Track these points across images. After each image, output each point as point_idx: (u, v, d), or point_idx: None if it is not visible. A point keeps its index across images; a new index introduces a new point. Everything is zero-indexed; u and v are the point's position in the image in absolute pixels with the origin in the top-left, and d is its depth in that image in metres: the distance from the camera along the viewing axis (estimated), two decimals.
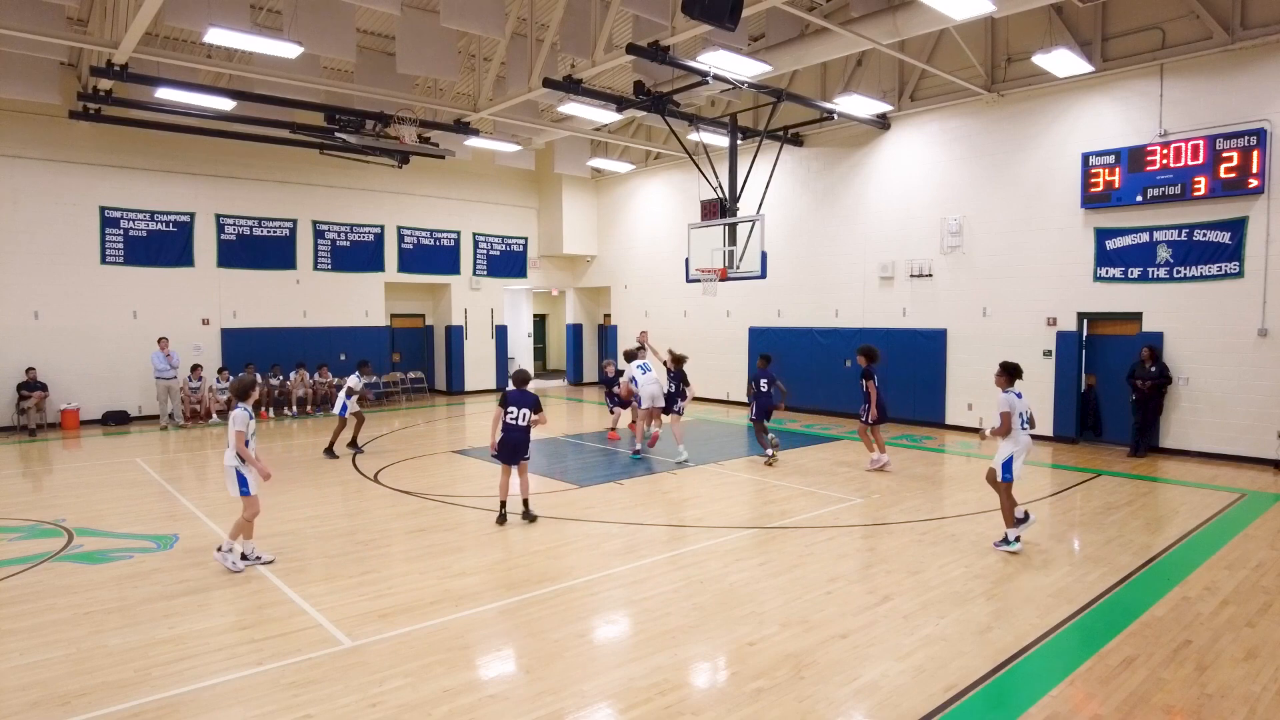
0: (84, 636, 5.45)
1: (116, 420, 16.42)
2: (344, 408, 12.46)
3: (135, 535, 7.98)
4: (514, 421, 8.17)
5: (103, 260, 16.38)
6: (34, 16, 11.32)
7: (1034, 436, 13.25)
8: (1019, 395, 7.43)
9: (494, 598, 6.16)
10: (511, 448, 8.21)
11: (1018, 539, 7.41)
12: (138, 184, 16.75)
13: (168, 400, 16.06)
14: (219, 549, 7.00)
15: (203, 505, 9.25)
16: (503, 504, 8.37)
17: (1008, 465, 7.38)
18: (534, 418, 8.18)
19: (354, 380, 12.66)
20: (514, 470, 8.39)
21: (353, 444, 12.88)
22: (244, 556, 6.98)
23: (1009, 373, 7.51)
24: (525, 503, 8.49)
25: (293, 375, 18.12)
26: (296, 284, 19.05)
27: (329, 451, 12.42)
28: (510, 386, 8.41)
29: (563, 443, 13.79)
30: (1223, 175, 11.48)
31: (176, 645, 5.28)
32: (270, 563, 7.01)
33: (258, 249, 18.40)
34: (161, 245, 17.09)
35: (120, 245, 16.57)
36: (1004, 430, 7.34)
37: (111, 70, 12.16)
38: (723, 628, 5.57)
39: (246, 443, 6.79)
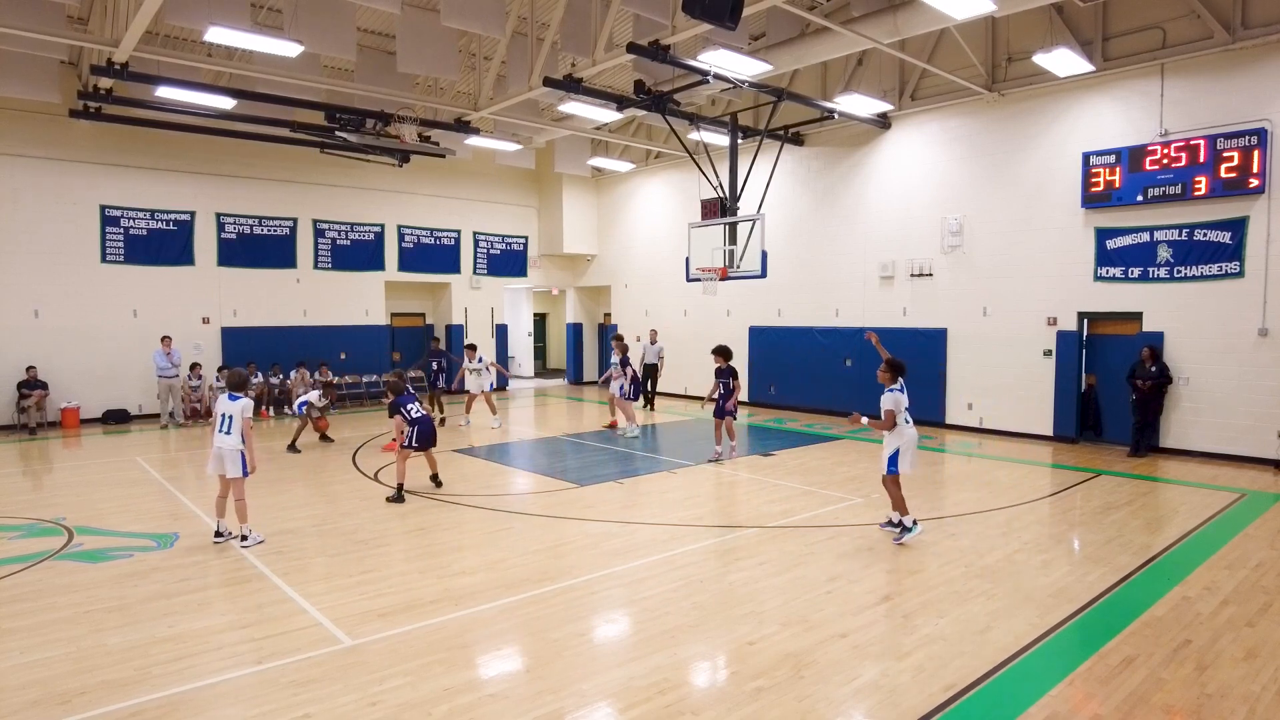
0: (84, 635, 5.45)
1: (117, 419, 16.43)
2: (303, 405, 13.02)
3: (135, 534, 7.98)
4: (421, 414, 9.50)
5: (103, 259, 16.39)
6: (34, 15, 11.31)
7: (1030, 435, 13.51)
8: (902, 390, 7.58)
9: (493, 597, 6.16)
10: (429, 434, 9.53)
11: (915, 522, 7.58)
12: (138, 183, 16.75)
13: (169, 399, 16.07)
14: (243, 539, 7.51)
15: (203, 504, 9.23)
16: (401, 485, 9.37)
17: (892, 459, 7.54)
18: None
19: (313, 393, 13.17)
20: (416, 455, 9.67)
21: (292, 446, 12.96)
22: (219, 533, 7.59)
23: (894, 370, 7.64)
24: (435, 474, 9.84)
25: (293, 374, 18.08)
26: (297, 283, 19.06)
27: (292, 447, 12.89)
28: (395, 395, 9.72)
29: (563, 442, 13.79)
30: (1223, 175, 11.47)
31: (176, 644, 5.28)
32: (261, 542, 7.53)
33: (258, 248, 18.40)
34: (162, 244, 17.09)
35: (121, 244, 16.58)
36: (887, 424, 7.48)
37: (112, 69, 12.15)
38: (722, 627, 5.57)
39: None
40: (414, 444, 9.43)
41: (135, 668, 4.93)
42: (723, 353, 12.09)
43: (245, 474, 7.47)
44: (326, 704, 4.45)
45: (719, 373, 11.95)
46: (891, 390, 7.54)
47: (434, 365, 16.60)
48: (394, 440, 12.95)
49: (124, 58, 11.77)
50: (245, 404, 7.44)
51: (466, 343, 18.89)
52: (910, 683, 4.71)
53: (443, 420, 15.06)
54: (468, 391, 16.28)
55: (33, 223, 15.59)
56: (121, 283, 16.62)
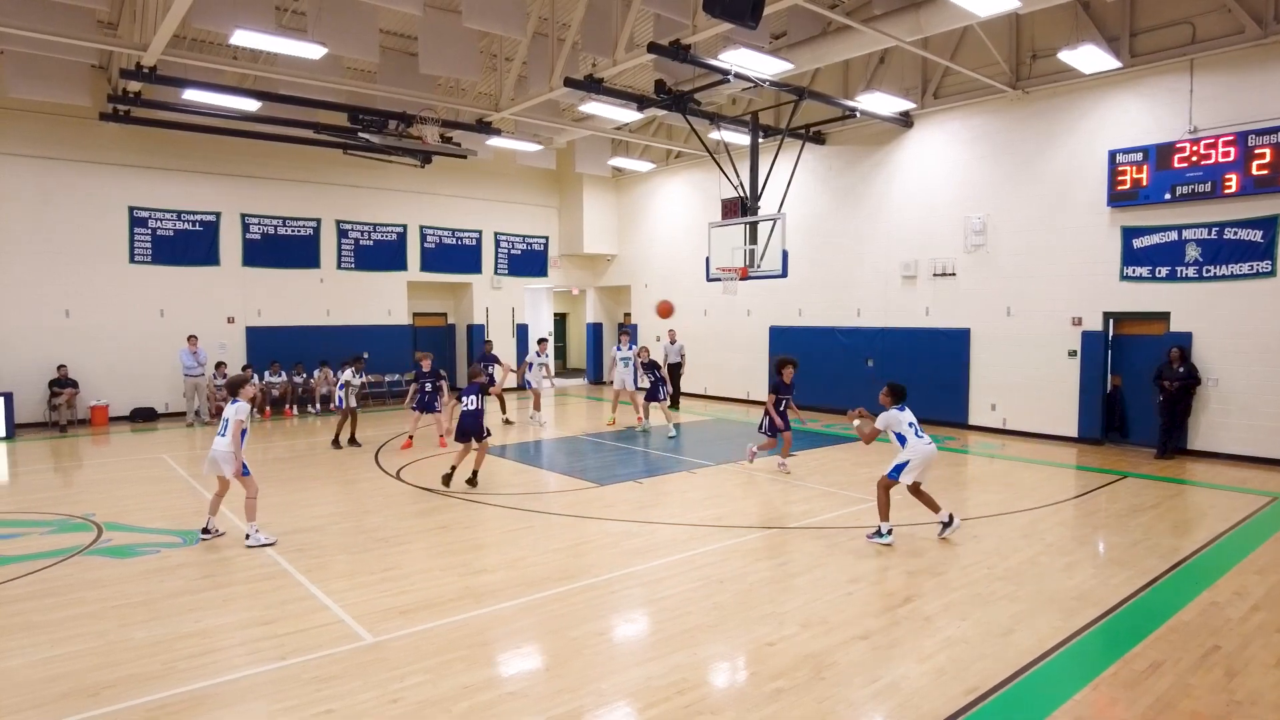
0: (111, 629, 5.54)
1: (144, 417, 16.68)
2: (340, 400, 13.08)
3: (162, 530, 8.11)
4: (468, 407, 9.75)
5: (131, 259, 16.65)
6: (66, 20, 11.54)
7: (1055, 437, 13.35)
8: (901, 409, 7.54)
9: (514, 595, 6.19)
10: (464, 430, 9.76)
11: (890, 531, 7.49)
12: (165, 184, 17.01)
13: (194, 397, 16.30)
14: (247, 538, 7.53)
15: (227, 501, 9.30)
16: (454, 469, 9.86)
17: (899, 467, 7.44)
18: (492, 388, 10.41)
19: (349, 375, 13.11)
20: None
21: (352, 440, 13.20)
22: (207, 529, 7.74)
23: (894, 394, 7.63)
24: (475, 472, 9.94)
25: (316, 373, 18.29)
26: (320, 283, 19.25)
27: (335, 443, 13.04)
28: (469, 383, 10.02)
29: (583, 441, 13.81)
30: (1254, 172, 11.26)
31: (201, 639, 5.36)
32: (272, 544, 7.53)
33: (282, 248, 18.61)
34: (188, 244, 17.33)
35: (148, 244, 16.84)
36: (869, 437, 7.62)
37: (140, 72, 12.35)
38: (742, 627, 5.55)
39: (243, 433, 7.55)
40: (454, 437, 9.89)
41: (161, 662, 5.01)
42: (792, 362, 10.95)
43: (246, 474, 7.57)
44: (348, 700, 4.49)
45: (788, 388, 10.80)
46: (889, 411, 7.53)
47: (488, 369, 15.80)
48: (409, 439, 13.13)
49: (152, 61, 11.95)
50: (239, 407, 7.55)
51: (539, 337, 18.42)
52: (931, 685, 4.67)
53: (508, 420, 14.98)
54: (535, 389, 16.28)
55: (64, 224, 15.87)
56: (149, 283, 16.88)
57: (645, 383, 14.66)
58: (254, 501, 7.64)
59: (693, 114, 14.33)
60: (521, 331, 23.19)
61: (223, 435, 7.56)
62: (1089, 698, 4.55)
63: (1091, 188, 12.99)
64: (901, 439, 7.45)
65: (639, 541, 7.67)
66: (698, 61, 11.92)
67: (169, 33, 10.79)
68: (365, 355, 13.98)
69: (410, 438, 13.29)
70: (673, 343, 18.78)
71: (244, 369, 17.20)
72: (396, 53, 15.53)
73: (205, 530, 7.76)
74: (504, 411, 16.57)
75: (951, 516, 7.65)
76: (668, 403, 14.92)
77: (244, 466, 7.58)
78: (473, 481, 9.87)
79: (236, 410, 7.53)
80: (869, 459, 11.98)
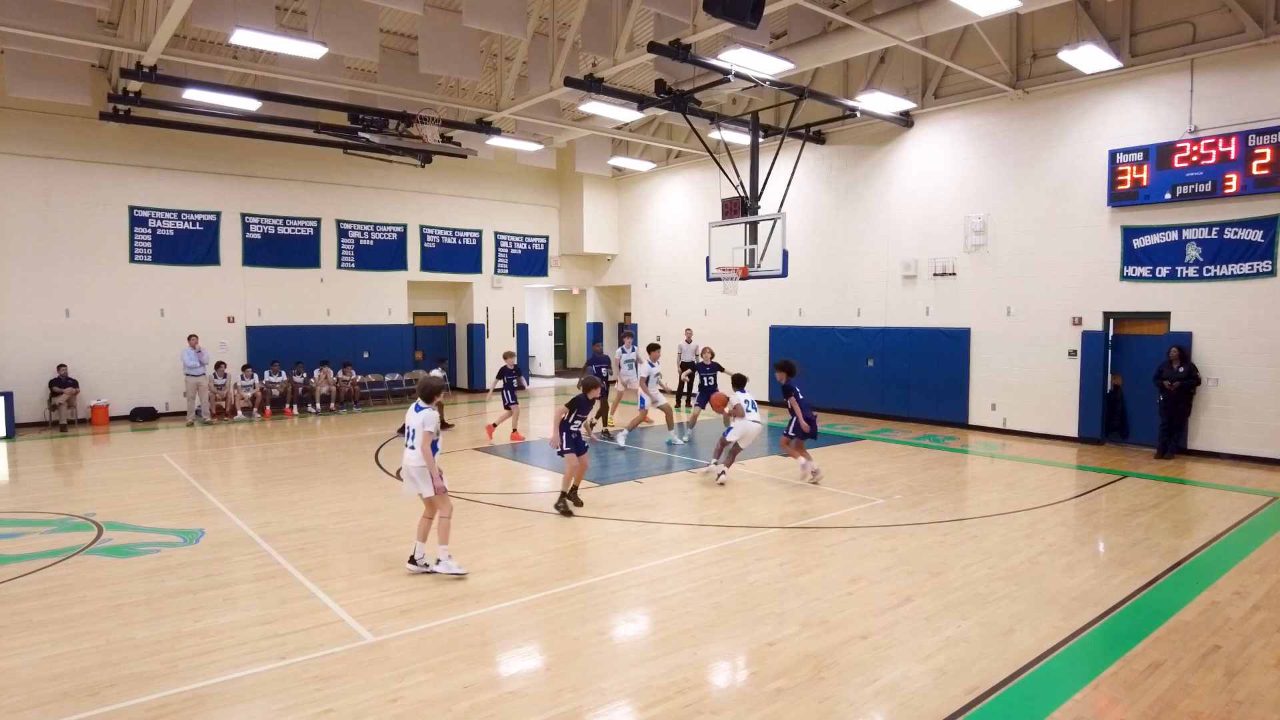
0: (112, 628, 5.54)
1: (144, 416, 16.68)
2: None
3: (162, 530, 8.11)
4: (577, 427, 8.78)
5: (131, 259, 16.65)
6: (66, 20, 11.55)
7: (1055, 437, 13.39)
8: (741, 392, 10.20)
9: (514, 595, 6.19)
10: (581, 445, 8.75)
11: (722, 468, 10.13)
12: (166, 184, 17.01)
13: (195, 396, 16.30)
14: (437, 562, 6.59)
15: (228, 501, 9.37)
16: (575, 488, 8.89)
17: (729, 430, 10.10)
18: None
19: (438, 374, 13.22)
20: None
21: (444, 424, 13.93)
22: (413, 560, 6.68)
23: (737, 382, 10.49)
24: (575, 488, 8.90)
25: (316, 373, 18.29)
26: (320, 282, 19.26)
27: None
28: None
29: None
30: (1255, 172, 11.26)
31: (202, 638, 5.36)
32: (463, 575, 6.57)
33: (282, 248, 18.61)
34: (188, 244, 17.34)
35: (149, 244, 16.84)
36: (733, 412, 10.12)
37: (141, 72, 12.36)
38: (742, 627, 5.56)
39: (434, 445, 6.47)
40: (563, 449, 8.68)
41: (162, 661, 5.01)
42: (783, 368, 10.21)
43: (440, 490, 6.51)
44: (348, 699, 4.50)
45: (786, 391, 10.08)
46: (734, 393, 10.15)
47: (603, 371, 14.48)
48: (515, 431, 13.79)
49: (152, 61, 11.96)
50: (427, 416, 6.44)
51: (650, 343, 14.68)
52: (932, 685, 4.67)
53: (607, 432, 13.46)
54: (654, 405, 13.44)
55: (64, 223, 15.87)
56: (149, 282, 16.88)
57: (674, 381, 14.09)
58: (448, 522, 6.60)
59: (693, 114, 14.33)
60: (522, 331, 23.19)
61: (412, 448, 6.48)
62: (1089, 698, 4.55)
63: (1092, 187, 13.00)
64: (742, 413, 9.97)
65: (639, 541, 7.68)
66: (698, 61, 11.92)
67: (169, 32, 10.80)
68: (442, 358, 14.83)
69: (515, 429, 13.92)
70: (689, 342, 18.66)
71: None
72: (397, 52, 15.54)
73: (412, 560, 6.67)
74: (606, 423, 14.19)
75: (723, 476, 10.04)
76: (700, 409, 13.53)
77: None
78: (576, 499, 8.92)
79: (425, 420, 6.43)
80: (869, 459, 12.00)
